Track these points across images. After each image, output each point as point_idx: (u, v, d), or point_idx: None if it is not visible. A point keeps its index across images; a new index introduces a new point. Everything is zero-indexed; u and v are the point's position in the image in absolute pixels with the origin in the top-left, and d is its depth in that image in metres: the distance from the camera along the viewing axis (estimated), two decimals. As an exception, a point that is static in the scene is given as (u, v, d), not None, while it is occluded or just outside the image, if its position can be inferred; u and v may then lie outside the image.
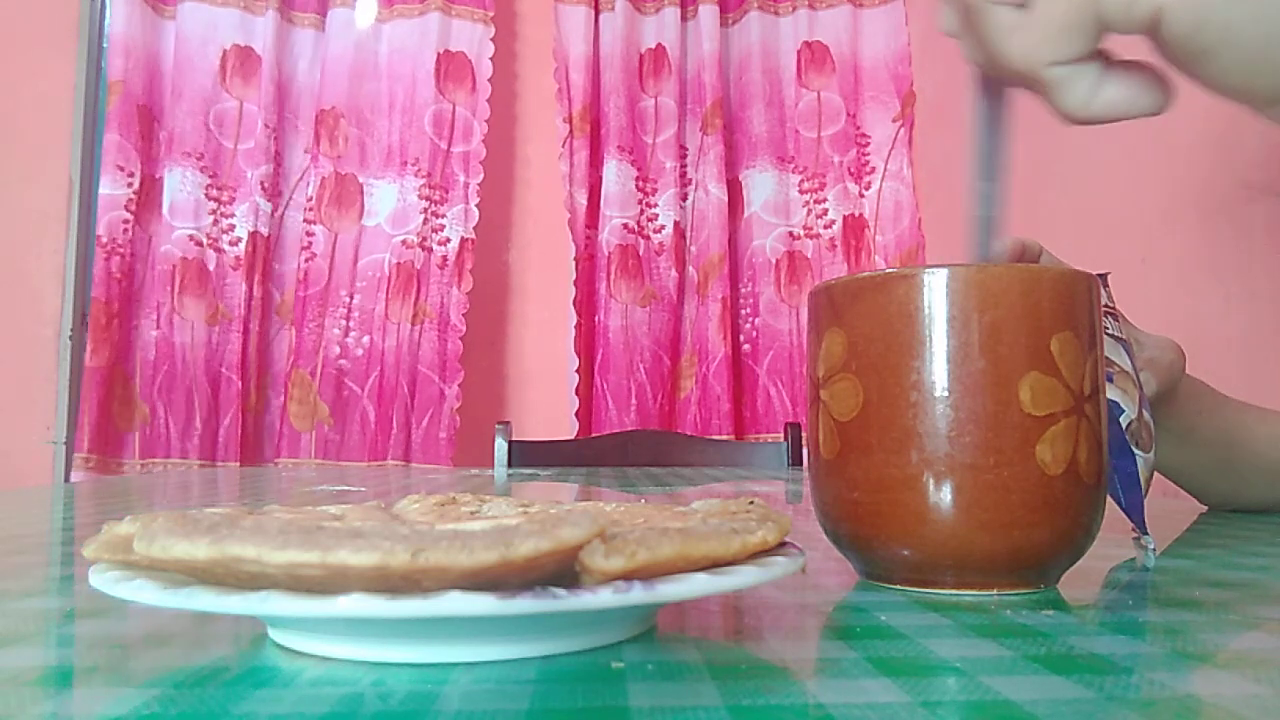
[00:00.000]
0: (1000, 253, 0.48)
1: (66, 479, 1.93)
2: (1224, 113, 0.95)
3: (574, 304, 1.91)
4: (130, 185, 1.83)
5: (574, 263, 1.92)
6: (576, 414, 1.88)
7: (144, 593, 0.21)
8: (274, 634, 0.24)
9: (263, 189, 1.89)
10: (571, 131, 1.94)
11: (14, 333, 1.95)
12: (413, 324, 1.85)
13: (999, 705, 0.19)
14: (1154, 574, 0.36)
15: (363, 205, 1.90)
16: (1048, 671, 0.21)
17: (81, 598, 0.30)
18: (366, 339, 1.86)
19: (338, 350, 1.85)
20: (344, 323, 1.86)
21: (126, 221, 1.83)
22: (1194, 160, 1.02)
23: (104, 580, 0.23)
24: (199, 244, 1.86)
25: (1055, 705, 0.19)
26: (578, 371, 1.89)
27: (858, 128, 2.00)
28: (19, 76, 1.97)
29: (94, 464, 1.78)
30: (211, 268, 1.86)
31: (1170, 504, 0.66)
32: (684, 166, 2.00)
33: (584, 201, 1.93)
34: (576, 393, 1.89)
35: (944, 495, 0.30)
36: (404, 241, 1.88)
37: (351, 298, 1.87)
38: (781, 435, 1.54)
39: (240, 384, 1.84)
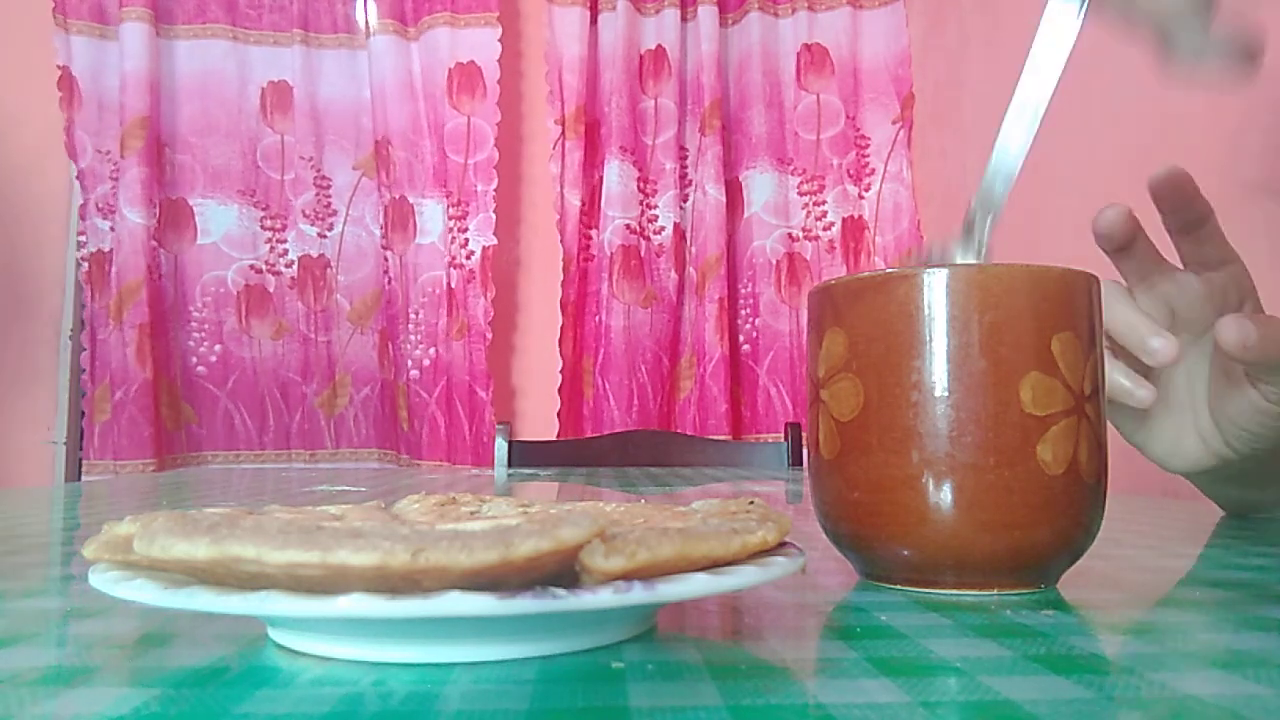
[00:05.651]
0: (1111, 220, 0.48)
1: (67, 479, 1.94)
2: (1226, 114, 0.95)
3: (560, 305, 1.92)
4: (154, 215, 1.90)
5: (562, 264, 1.92)
6: (559, 414, 1.89)
7: (144, 593, 0.21)
8: (274, 634, 0.24)
9: (305, 215, 1.99)
10: (564, 133, 1.94)
11: (14, 333, 1.95)
12: (457, 337, 1.89)
13: (999, 705, 0.19)
14: (1154, 574, 0.36)
15: (415, 224, 1.94)
16: (1048, 671, 0.21)
17: (81, 598, 0.30)
18: (433, 350, 1.93)
19: (409, 362, 1.93)
20: (413, 337, 1.94)
21: (153, 249, 1.90)
22: (1194, 160, 1.02)
23: (104, 580, 0.23)
24: (259, 271, 1.97)
25: (1055, 705, 0.19)
26: (561, 373, 1.90)
27: (857, 129, 2.00)
28: (19, 76, 1.97)
29: (154, 466, 1.87)
30: (271, 290, 1.98)
31: (1171, 504, 0.66)
32: (684, 168, 2.00)
33: (576, 203, 1.94)
34: (560, 393, 1.90)
35: (944, 495, 0.30)
36: (447, 261, 1.94)
37: (416, 314, 1.93)
38: (781, 435, 1.54)
39: (306, 387, 1.99)
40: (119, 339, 1.85)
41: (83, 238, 1.91)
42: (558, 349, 1.91)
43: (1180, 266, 0.50)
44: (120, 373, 1.84)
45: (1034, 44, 0.35)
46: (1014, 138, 0.35)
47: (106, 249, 1.89)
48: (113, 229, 1.89)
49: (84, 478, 1.85)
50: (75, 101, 1.91)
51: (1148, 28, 0.32)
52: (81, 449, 1.94)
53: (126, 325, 1.85)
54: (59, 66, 1.90)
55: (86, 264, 1.90)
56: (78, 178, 1.91)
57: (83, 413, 1.95)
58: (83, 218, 1.91)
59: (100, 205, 1.91)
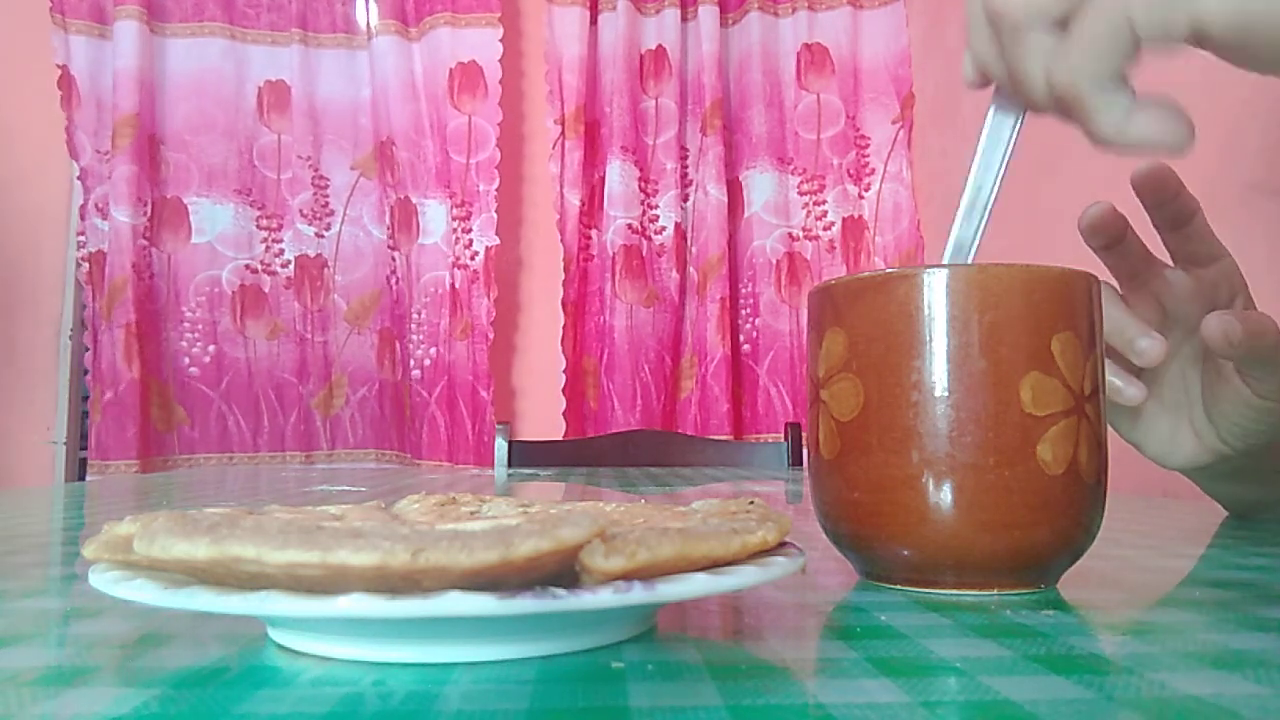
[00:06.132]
0: (1096, 217, 0.48)
1: (67, 479, 1.94)
2: (1224, 114, 0.95)
3: (562, 305, 1.92)
4: (145, 214, 1.89)
5: (562, 264, 1.92)
6: (564, 414, 1.89)
7: (144, 593, 0.21)
8: (274, 634, 0.24)
9: (302, 215, 1.99)
10: (563, 133, 1.94)
11: (14, 333, 1.95)
12: (460, 338, 1.89)
13: (999, 705, 0.19)
14: (1154, 574, 0.36)
15: (419, 224, 1.94)
16: (1048, 671, 0.21)
17: (81, 598, 0.30)
18: (434, 350, 1.92)
19: (411, 362, 1.93)
20: (415, 337, 1.94)
21: (144, 247, 1.90)
22: (1194, 161, 1.02)
23: (104, 580, 0.23)
24: (254, 271, 1.97)
25: (1055, 705, 0.19)
26: (565, 372, 1.90)
27: (857, 129, 2.00)
28: (19, 76, 1.97)
29: (137, 467, 1.86)
30: (266, 290, 1.97)
31: (1171, 504, 0.66)
32: (685, 167, 2.00)
33: (576, 202, 1.94)
34: (564, 393, 1.90)
35: (944, 495, 0.30)
36: (451, 261, 1.93)
37: (419, 314, 1.94)
38: (781, 435, 1.54)
39: (302, 388, 1.99)
40: (109, 339, 1.85)
41: (82, 238, 1.91)
42: (560, 349, 1.91)
43: (1170, 263, 0.50)
44: (109, 373, 1.84)
45: (977, 150, 0.37)
46: (963, 238, 0.36)
47: (106, 249, 1.89)
48: (122, 231, 1.89)
49: (88, 477, 1.85)
50: (74, 101, 1.91)
51: (1070, 105, 0.33)
52: (85, 449, 1.94)
53: (114, 325, 1.84)
54: (58, 66, 1.90)
55: (87, 264, 1.90)
56: (79, 178, 1.91)
57: (85, 413, 1.95)
58: (83, 217, 1.91)
59: (100, 205, 1.91)
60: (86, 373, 1.89)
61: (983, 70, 0.36)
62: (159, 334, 1.92)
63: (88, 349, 1.89)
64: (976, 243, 0.36)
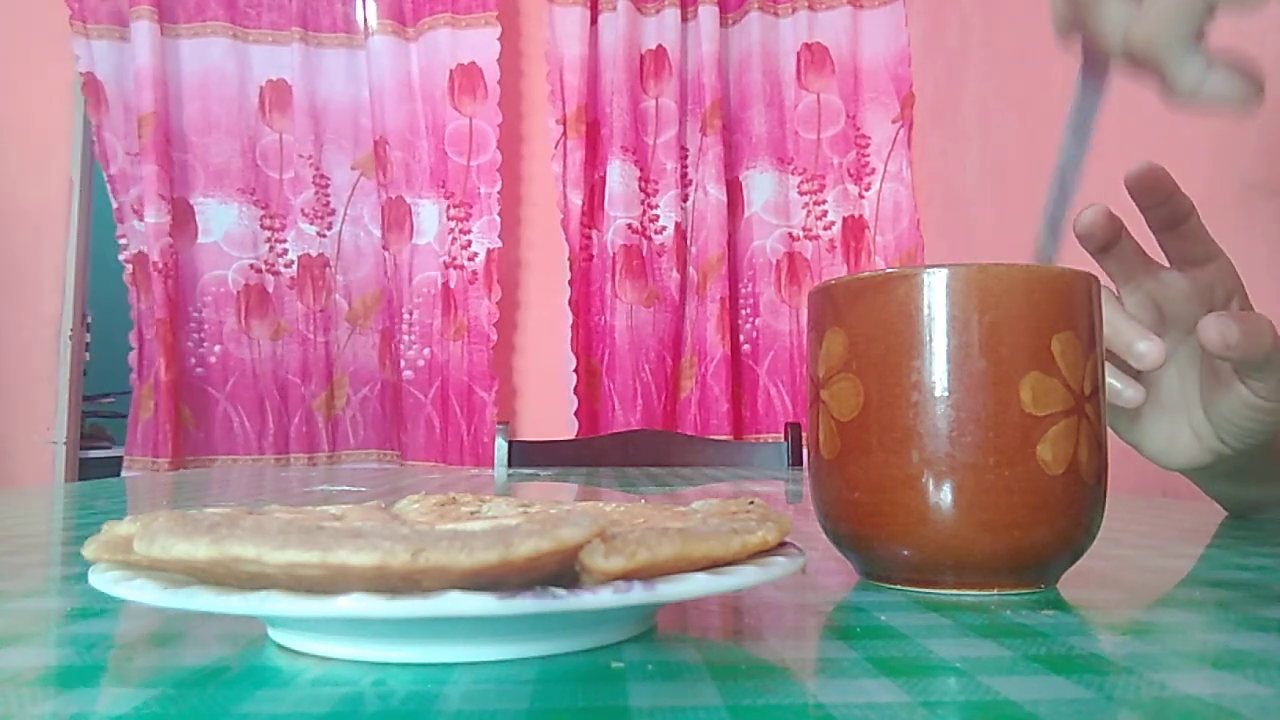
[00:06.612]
0: (1091, 220, 0.49)
1: (67, 479, 1.94)
2: (1223, 113, 0.95)
3: (569, 304, 1.92)
4: (170, 212, 1.90)
5: (568, 263, 1.92)
6: (576, 413, 1.89)
7: (144, 593, 0.21)
8: (274, 634, 0.24)
9: (304, 214, 1.99)
10: (565, 133, 1.94)
11: (14, 333, 1.95)
12: (454, 339, 1.89)
13: (999, 705, 0.19)
14: (1154, 574, 0.36)
15: (412, 225, 1.94)
16: (1048, 671, 0.21)
17: (81, 598, 0.30)
18: (428, 351, 1.92)
19: (403, 363, 1.94)
20: (406, 337, 1.94)
21: (171, 247, 1.91)
22: (1194, 161, 1.02)
23: (104, 580, 0.23)
24: (258, 270, 1.97)
25: (1055, 705, 0.19)
26: (575, 371, 1.90)
27: (857, 129, 2.00)
28: (19, 76, 1.97)
29: (167, 465, 1.87)
30: (270, 289, 1.97)
31: (1171, 504, 0.66)
32: (685, 167, 2.00)
33: (579, 202, 1.94)
34: (575, 392, 1.90)
35: (944, 495, 0.30)
36: (444, 262, 1.93)
37: (411, 314, 1.94)
38: (781, 435, 1.54)
39: (305, 388, 1.99)
40: (156, 339, 1.87)
41: (124, 240, 1.93)
42: (570, 348, 1.91)
43: (1166, 264, 0.50)
44: (159, 373, 1.87)
45: (1067, 125, 0.39)
46: (1058, 214, 0.38)
47: (145, 250, 1.91)
48: (147, 230, 1.91)
49: (124, 473, 1.86)
50: (103, 106, 1.91)
51: (1147, 64, 0.34)
52: (84, 449, 1.95)
53: (162, 325, 1.87)
54: (82, 73, 1.90)
55: (130, 265, 1.92)
56: (109, 181, 1.92)
57: (85, 413, 1.95)
58: (120, 220, 1.93)
59: (135, 207, 1.92)
60: (86, 373, 1.90)
61: (1060, 26, 0.38)
62: (179, 335, 1.93)
63: (133, 348, 1.91)
64: (1068, 217, 0.37)
